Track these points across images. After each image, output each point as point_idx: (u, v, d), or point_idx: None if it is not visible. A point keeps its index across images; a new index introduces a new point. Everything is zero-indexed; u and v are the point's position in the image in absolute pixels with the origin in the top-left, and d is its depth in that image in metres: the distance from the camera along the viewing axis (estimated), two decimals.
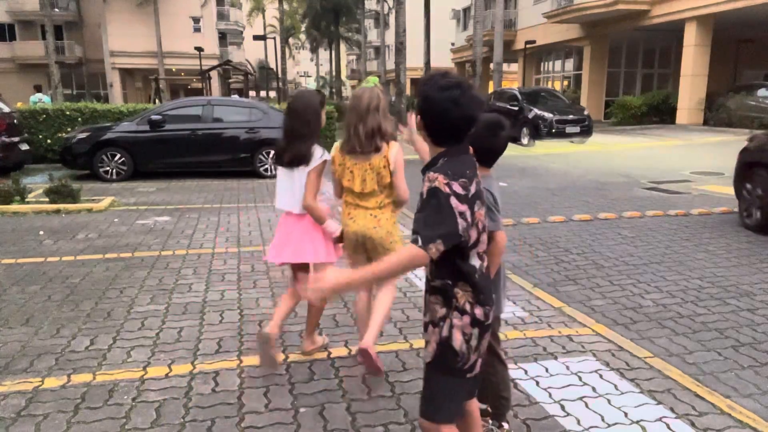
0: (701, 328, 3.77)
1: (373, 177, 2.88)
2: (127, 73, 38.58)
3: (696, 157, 13.23)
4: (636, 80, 27.50)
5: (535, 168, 12.44)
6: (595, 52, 25.51)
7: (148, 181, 10.57)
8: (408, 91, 33.41)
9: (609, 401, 2.84)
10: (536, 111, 16.90)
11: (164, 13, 36.44)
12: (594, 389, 2.96)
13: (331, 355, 3.39)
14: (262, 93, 40.29)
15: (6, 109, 11.49)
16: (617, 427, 2.62)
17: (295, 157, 3.00)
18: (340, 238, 3.10)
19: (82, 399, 2.90)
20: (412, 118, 2.67)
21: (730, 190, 7.18)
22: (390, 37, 38.20)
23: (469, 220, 1.69)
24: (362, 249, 3.02)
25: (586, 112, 17.74)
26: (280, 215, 3.24)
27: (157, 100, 27.60)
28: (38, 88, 20.20)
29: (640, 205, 7.95)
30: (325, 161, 3.01)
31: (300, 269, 3.19)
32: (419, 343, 3.55)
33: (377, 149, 2.85)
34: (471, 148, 1.87)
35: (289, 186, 3.09)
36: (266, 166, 11.18)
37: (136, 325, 3.86)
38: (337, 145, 3.02)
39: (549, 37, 27.59)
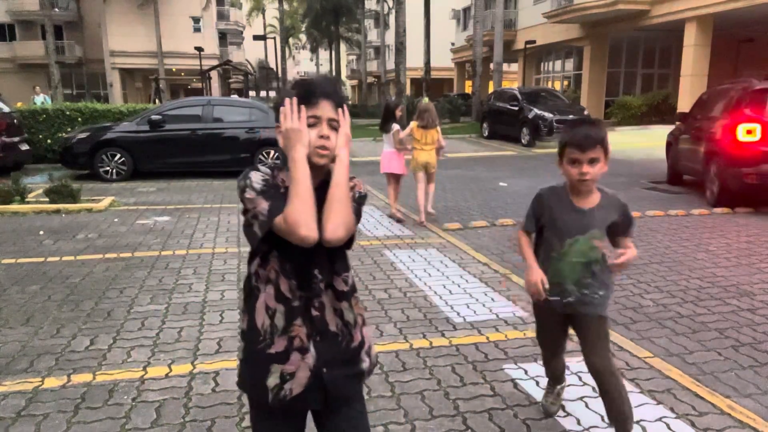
0: (701, 328, 3.77)
1: (432, 137, 6.89)
2: (127, 73, 38.56)
3: None
4: (636, 80, 27.47)
5: (535, 168, 12.44)
6: (595, 52, 25.49)
7: (148, 181, 10.56)
8: (408, 91, 33.42)
9: None
10: (536, 111, 16.90)
11: (164, 13, 36.42)
12: (594, 389, 2.96)
13: None
14: (262, 93, 40.28)
15: (6, 109, 11.49)
16: None
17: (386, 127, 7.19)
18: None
19: (82, 399, 2.90)
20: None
21: None
22: (390, 37, 38.18)
23: None
24: (423, 167, 6.98)
25: (586, 112, 17.74)
26: (386, 152, 7.15)
27: (157, 100, 27.58)
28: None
29: (640, 205, 7.94)
30: (398, 130, 7.05)
31: (394, 177, 7.23)
32: (419, 342, 3.55)
33: (433, 126, 6.87)
34: None
35: (388, 139, 7.16)
36: None
37: (136, 325, 3.86)
38: (414, 123, 6.94)
39: (549, 37, 27.57)
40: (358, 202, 1.62)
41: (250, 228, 1.51)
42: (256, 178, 1.53)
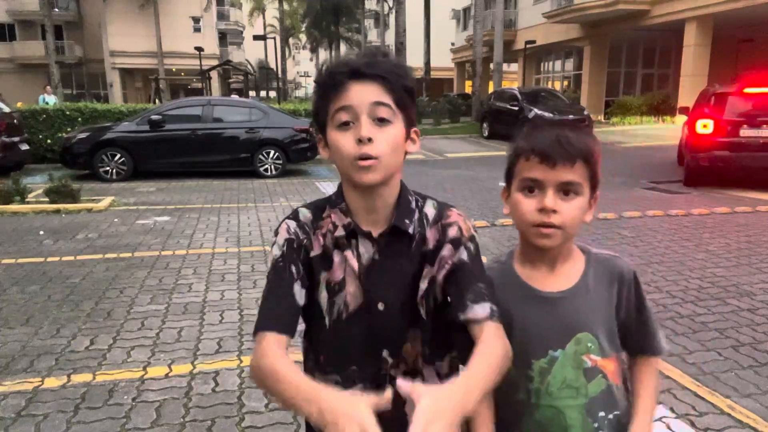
0: (701, 328, 3.77)
1: None
2: (127, 73, 38.60)
3: None
4: (636, 80, 27.49)
5: None
6: (595, 52, 25.50)
7: (148, 181, 10.56)
8: None
9: None
10: (536, 111, 16.89)
11: (164, 13, 36.45)
12: None
13: None
14: (262, 93, 40.29)
15: (6, 109, 11.49)
16: None
17: None
18: None
19: (82, 399, 2.90)
20: None
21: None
22: (390, 37, 38.19)
23: None
24: None
25: (585, 112, 17.73)
26: None
27: (157, 100, 27.60)
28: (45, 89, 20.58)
29: (640, 205, 7.95)
30: None
31: None
32: None
33: None
34: None
35: None
36: (266, 166, 11.18)
37: (136, 325, 3.86)
38: None
39: (549, 37, 27.58)
40: (475, 256, 1.14)
41: None
42: (282, 235, 1.10)
